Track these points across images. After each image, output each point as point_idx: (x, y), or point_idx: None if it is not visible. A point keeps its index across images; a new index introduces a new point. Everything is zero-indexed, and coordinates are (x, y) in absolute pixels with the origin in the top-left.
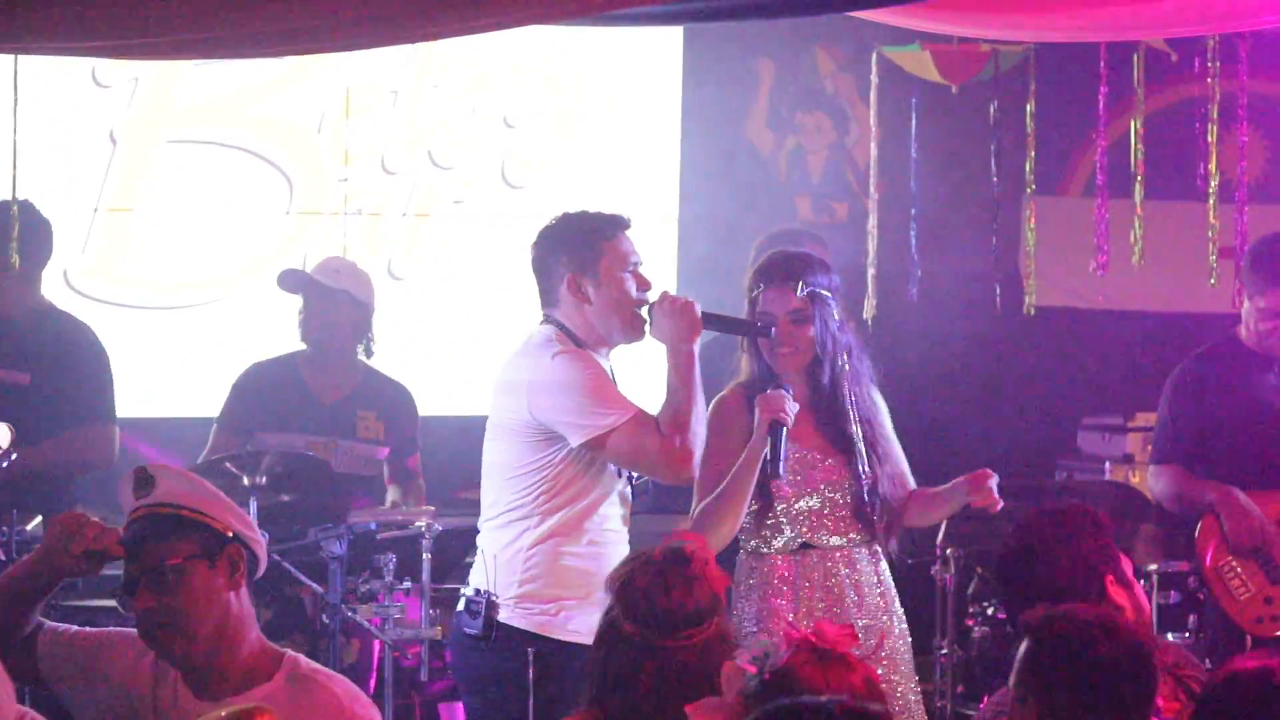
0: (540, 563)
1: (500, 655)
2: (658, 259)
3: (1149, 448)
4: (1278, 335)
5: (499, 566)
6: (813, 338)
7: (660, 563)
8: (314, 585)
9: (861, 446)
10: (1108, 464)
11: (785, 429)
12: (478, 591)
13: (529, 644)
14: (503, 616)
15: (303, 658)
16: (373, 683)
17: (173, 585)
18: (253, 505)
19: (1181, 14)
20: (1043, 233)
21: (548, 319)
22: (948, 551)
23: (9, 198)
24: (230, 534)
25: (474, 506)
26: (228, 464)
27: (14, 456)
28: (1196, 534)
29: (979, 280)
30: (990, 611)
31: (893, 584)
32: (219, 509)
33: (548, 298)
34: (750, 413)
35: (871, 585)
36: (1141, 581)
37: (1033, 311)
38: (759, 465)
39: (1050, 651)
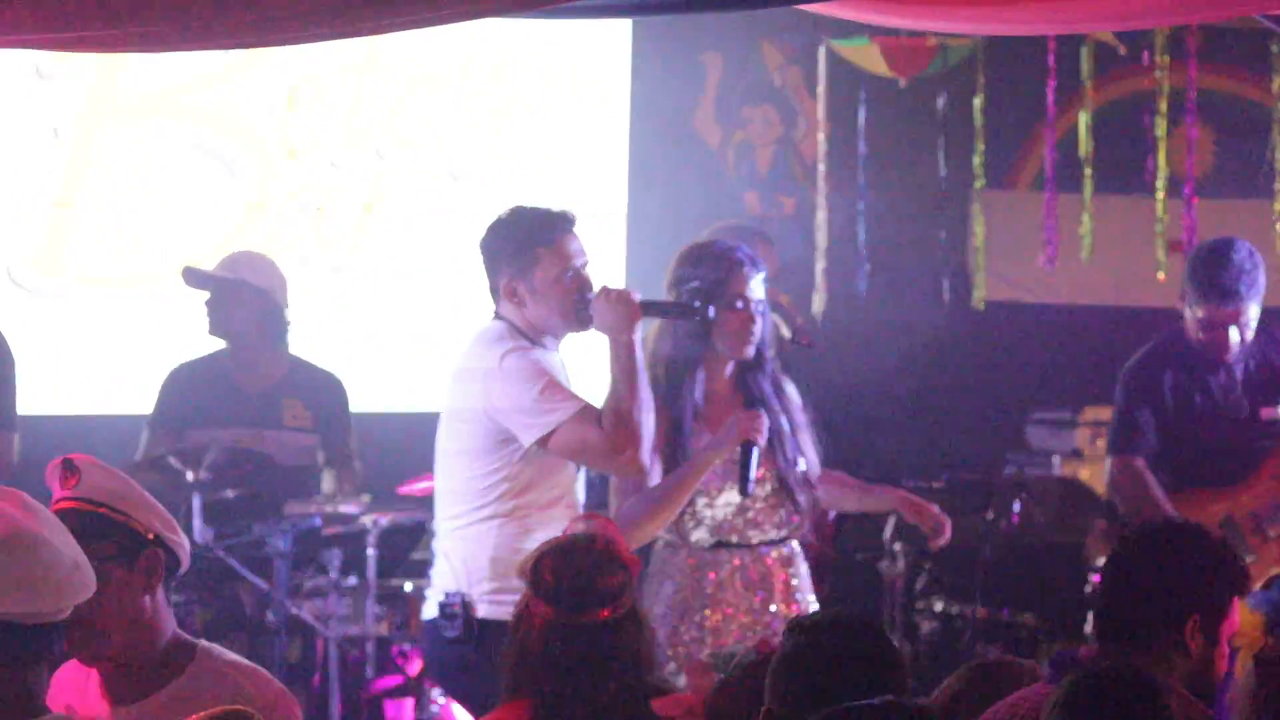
0: (509, 557)
1: (484, 650)
2: (606, 253)
3: (1098, 442)
4: (1215, 347)
5: (470, 568)
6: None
7: (568, 544)
8: (259, 581)
9: (789, 438)
10: (1056, 458)
11: (757, 449)
12: (449, 595)
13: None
14: (482, 613)
15: (217, 648)
16: (317, 680)
17: None
18: (196, 501)
19: (1129, 6)
20: (991, 227)
21: (498, 314)
22: (895, 546)
23: None
24: (151, 536)
25: (418, 503)
26: (170, 459)
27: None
28: None
29: (927, 274)
30: (938, 608)
31: (808, 577)
32: (141, 509)
33: (494, 295)
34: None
35: (787, 579)
36: (1093, 577)
37: (981, 305)
38: (702, 474)
39: None
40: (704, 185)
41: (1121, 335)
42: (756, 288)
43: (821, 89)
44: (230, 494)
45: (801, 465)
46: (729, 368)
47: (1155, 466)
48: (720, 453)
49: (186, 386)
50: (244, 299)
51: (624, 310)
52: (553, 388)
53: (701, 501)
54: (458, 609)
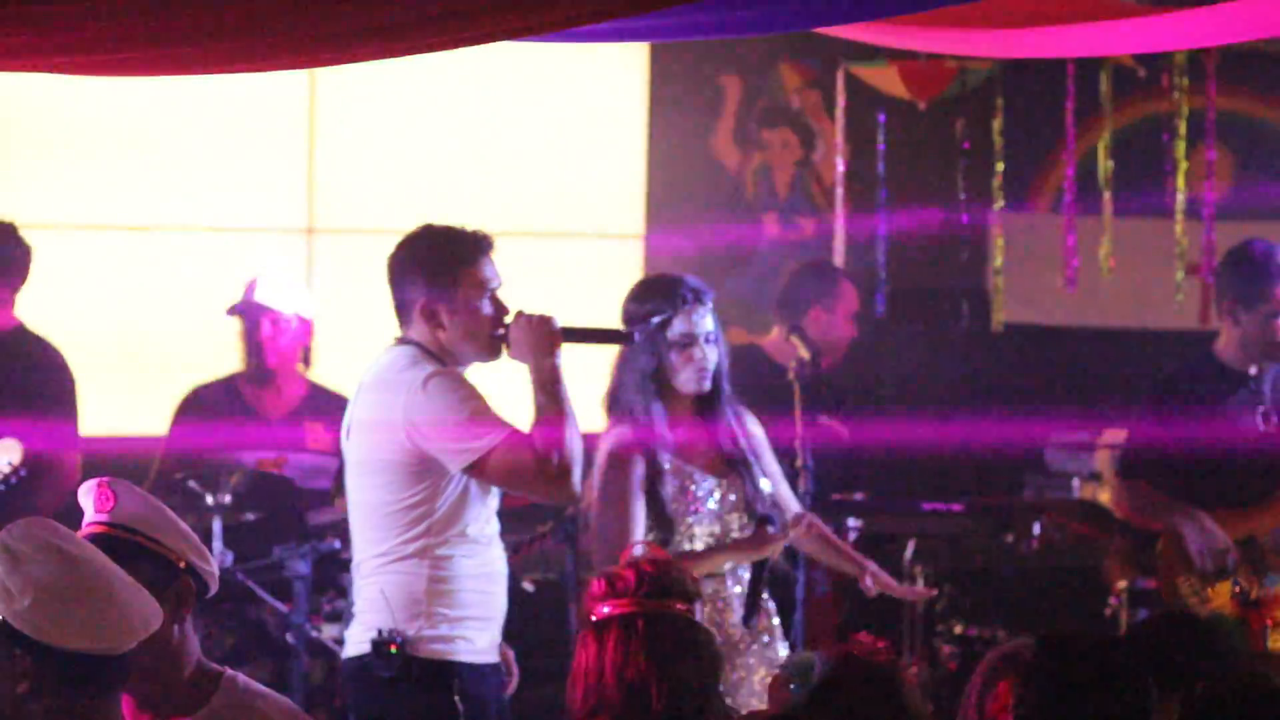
0: (444, 590)
1: (421, 691)
2: (623, 277)
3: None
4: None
5: (401, 604)
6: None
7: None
8: (278, 604)
9: (754, 465)
10: (1076, 481)
11: (767, 565)
12: (381, 633)
13: (447, 675)
14: (418, 652)
15: (241, 677)
16: (339, 702)
17: None
18: (216, 524)
19: (1148, 30)
20: (1010, 249)
21: (403, 340)
22: (916, 570)
23: None
24: (183, 564)
25: None
26: (191, 482)
27: (23, 474)
28: (1157, 555)
29: (946, 296)
30: (958, 631)
31: (773, 605)
32: (174, 537)
33: (402, 315)
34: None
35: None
36: (1111, 600)
37: (1000, 327)
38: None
39: None
40: (722, 208)
41: (1141, 357)
42: (702, 321)
43: (840, 111)
44: (250, 517)
45: (766, 486)
46: (689, 400)
47: (1176, 488)
48: (744, 558)
49: (204, 409)
50: (285, 326)
51: (544, 335)
52: (482, 411)
53: (677, 540)
54: (395, 647)
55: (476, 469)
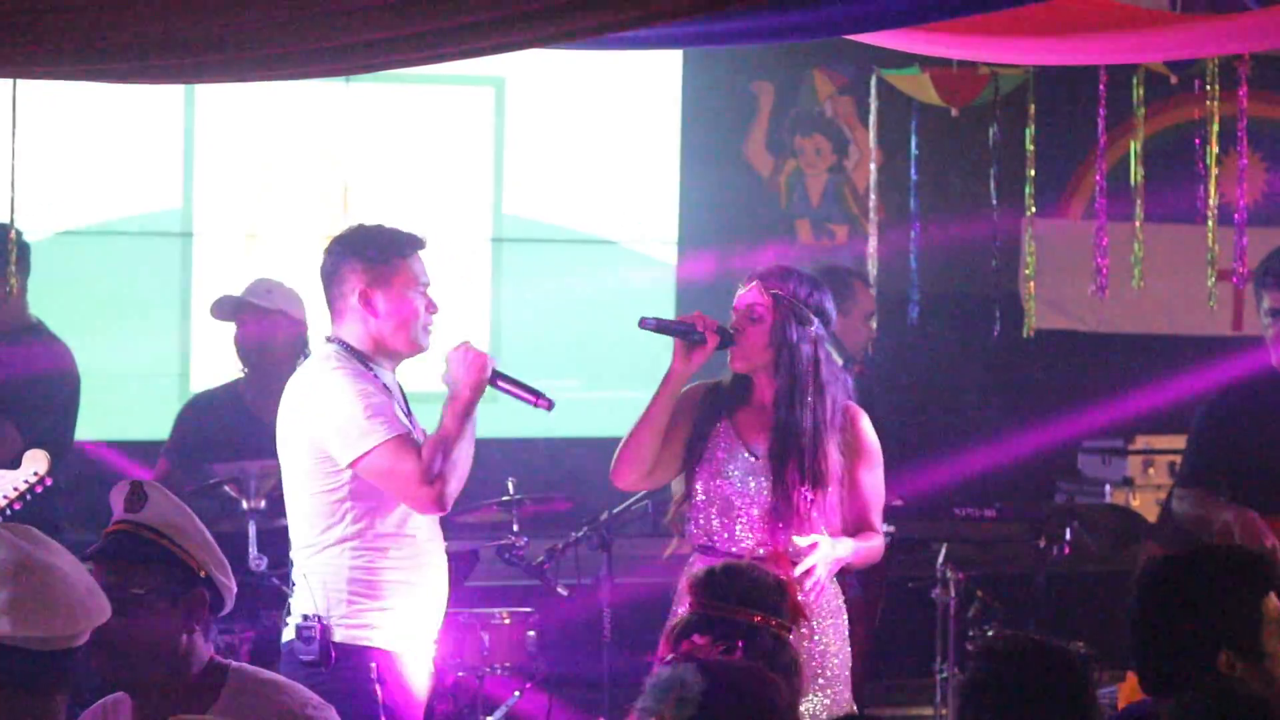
0: (363, 579)
1: (341, 674)
2: (656, 283)
3: (1150, 470)
4: None
5: (326, 591)
6: (769, 341)
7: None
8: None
9: (804, 457)
10: (1108, 487)
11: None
12: (306, 617)
13: (366, 659)
14: (338, 637)
15: (249, 668)
16: None
17: (129, 610)
18: (251, 529)
19: (1180, 37)
20: (1042, 255)
21: (332, 339)
22: (948, 574)
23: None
24: (203, 574)
25: (471, 530)
26: (226, 487)
27: (49, 483)
28: None
29: (979, 302)
30: (990, 635)
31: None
32: (198, 546)
33: (335, 307)
34: (705, 404)
35: None
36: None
37: (1032, 334)
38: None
39: None
40: (755, 214)
41: (1172, 364)
42: (744, 295)
43: (873, 118)
44: (284, 522)
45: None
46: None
47: (1233, 495)
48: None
49: (203, 419)
50: (279, 329)
51: (476, 373)
52: (374, 409)
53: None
54: (315, 632)
55: (360, 464)
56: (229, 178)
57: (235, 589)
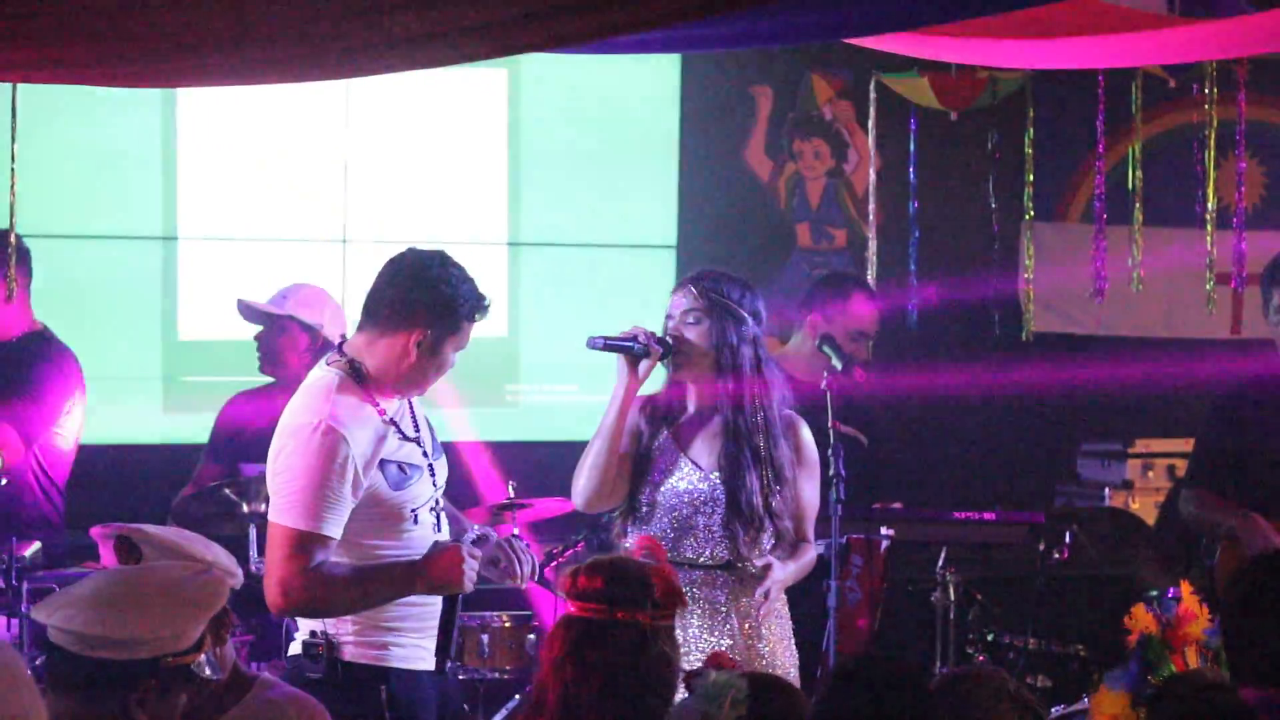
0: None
1: (348, 694)
2: (656, 287)
3: (1149, 474)
4: None
5: None
6: (707, 345)
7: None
8: None
9: (758, 456)
10: (1107, 490)
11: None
12: (313, 634)
13: (376, 679)
14: (346, 656)
15: (269, 678)
16: None
17: None
18: (252, 532)
19: (1177, 41)
20: (1041, 259)
21: (341, 358)
22: (947, 577)
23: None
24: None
25: None
26: (226, 490)
27: (3, 481)
28: (1215, 561)
29: (978, 306)
30: (990, 638)
31: (784, 611)
32: (200, 556)
33: (379, 328)
34: (644, 418)
35: (730, 610)
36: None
37: (1031, 337)
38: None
39: None
40: (754, 218)
41: (1171, 367)
42: (678, 301)
43: (872, 122)
44: None
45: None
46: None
47: (1241, 497)
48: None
49: (237, 420)
50: (291, 335)
51: (452, 578)
52: (313, 490)
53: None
54: (322, 650)
55: (270, 524)
56: (221, 179)
57: (242, 577)
